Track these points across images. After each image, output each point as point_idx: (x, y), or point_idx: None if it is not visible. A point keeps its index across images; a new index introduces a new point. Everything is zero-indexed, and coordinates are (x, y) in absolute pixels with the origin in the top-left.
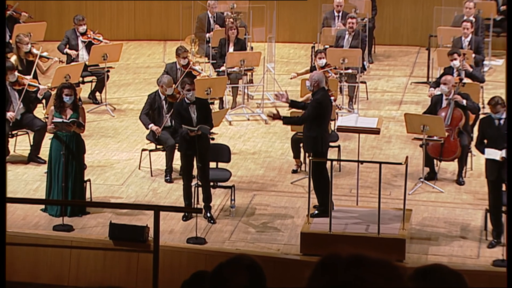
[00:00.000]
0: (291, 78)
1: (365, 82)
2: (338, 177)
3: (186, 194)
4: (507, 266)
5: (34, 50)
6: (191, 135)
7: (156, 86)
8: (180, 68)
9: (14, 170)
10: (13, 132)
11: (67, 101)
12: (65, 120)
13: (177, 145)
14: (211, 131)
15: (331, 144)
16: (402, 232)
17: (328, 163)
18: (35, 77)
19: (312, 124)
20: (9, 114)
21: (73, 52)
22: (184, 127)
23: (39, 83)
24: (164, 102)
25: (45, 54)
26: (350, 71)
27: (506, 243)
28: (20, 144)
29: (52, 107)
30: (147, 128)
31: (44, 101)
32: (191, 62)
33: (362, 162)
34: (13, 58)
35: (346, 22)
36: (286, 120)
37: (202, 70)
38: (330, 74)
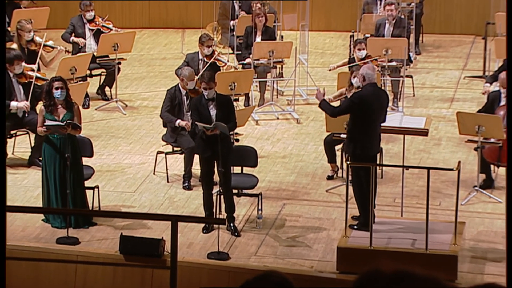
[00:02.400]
0: (329, 70)
1: (411, 76)
2: (380, 184)
3: (206, 203)
4: (507, 266)
5: (38, 38)
6: (207, 134)
7: (173, 80)
8: (202, 59)
9: (13, 174)
10: (12, 132)
11: (58, 96)
12: (58, 123)
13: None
14: (234, 131)
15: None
16: (453, 247)
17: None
18: (38, 69)
19: (352, 123)
20: (24, 104)
21: (80, 40)
22: (198, 125)
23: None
24: (185, 97)
25: (50, 43)
26: (394, 63)
27: (506, 243)
28: (19, 145)
29: (42, 107)
30: (173, 125)
31: None
32: (216, 52)
33: (407, 167)
34: (14, 47)
35: (384, 9)
36: (322, 105)
37: (228, 60)
38: None
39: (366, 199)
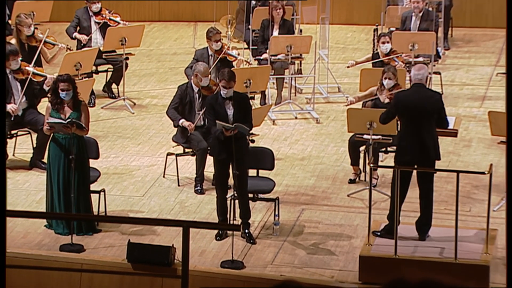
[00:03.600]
0: (348, 67)
1: (439, 73)
2: (410, 188)
3: (220, 207)
4: (507, 266)
5: (39, 34)
6: (226, 134)
7: (184, 77)
8: (212, 54)
9: (14, 177)
10: (13, 132)
11: (64, 97)
12: (61, 121)
13: (208, 147)
14: (250, 131)
15: (392, 148)
16: (485, 257)
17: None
18: (38, 65)
19: (401, 124)
20: (11, 106)
21: (83, 37)
22: (218, 123)
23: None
24: (197, 95)
25: (51, 40)
26: (421, 59)
27: (506, 243)
28: (20, 146)
29: (48, 104)
30: (177, 125)
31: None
32: (225, 47)
33: (435, 170)
34: (12, 42)
35: (411, 0)
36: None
37: (239, 54)
38: (396, 63)
39: (393, 204)
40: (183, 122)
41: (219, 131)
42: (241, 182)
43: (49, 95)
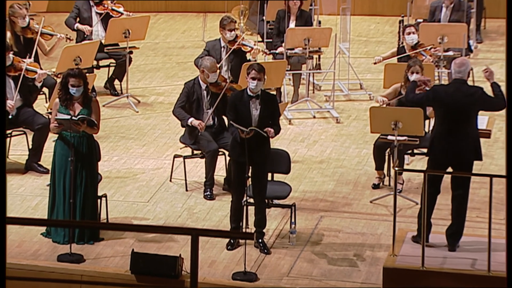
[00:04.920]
0: (374, 63)
1: (471, 68)
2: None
3: (234, 214)
4: (507, 266)
5: (35, 25)
6: (241, 136)
7: (193, 72)
8: (225, 46)
9: (8, 181)
10: (7, 132)
11: (74, 93)
12: (72, 117)
13: (219, 150)
14: (276, 134)
15: (419, 151)
16: None
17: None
18: (36, 60)
19: (435, 121)
20: (9, 103)
21: (86, 28)
22: (233, 125)
23: (41, 68)
24: (205, 92)
25: (48, 30)
26: (451, 53)
27: (506, 244)
28: (15, 147)
29: (57, 100)
30: (185, 125)
31: (47, 90)
32: (240, 37)
33: (467, 175)
34: (6, 36)
35: None
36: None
37: (255, 44)
38: (424, 57)
39: (424, 210)
40: (192, 121)
41: (236, 132)
42: (260, 188)
43: (58, 89)
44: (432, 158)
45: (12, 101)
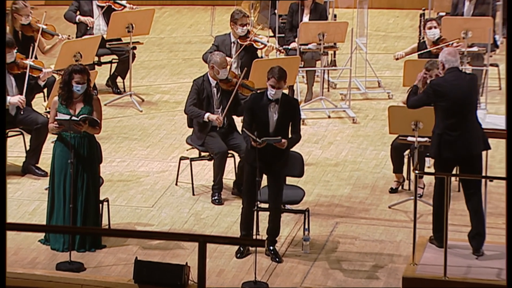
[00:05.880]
0: (396, 59)
1: (497, 65)
2: (456, 199)
3: (245, 220)
4: (507, 266)
5: (36, 23)
6: (253, 145)
7: (200, 69)
8: (235, 41)
9: None
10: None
11: (78, 90)
12: (73, 117)
13: (228, 152)
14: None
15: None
16: None
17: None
18: (34, 57)
19: (436, 117)
20: (18, 99)
21: (89, 20)
22: (244, 132)
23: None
24: (215, 89)
25: (50, 30)
26: (475, 49)
27: (506, 244)
28: (12, 148)
29: (56, 98)
30: (201, 120)
31: (45, 89)
32: (252, 32)
33: (491, 178)
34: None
35: None
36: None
37: (268, 40)
38: None
39: (440, 216)
40: (209, 116)
41: (247, 139)
42: (276, 195)
43: (59, 86)
44: (439, 157)
45: (23, 96)
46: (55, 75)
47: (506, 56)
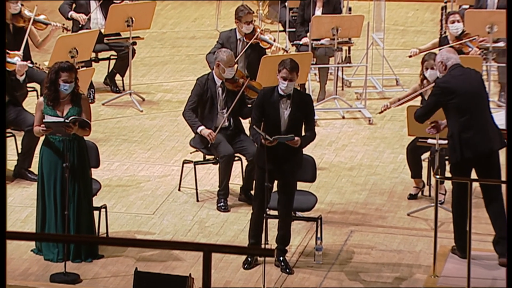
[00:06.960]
0: (409, 56)
1: None
2: (479, 206)
3: (254, 227)
4: (507, 266)
5: (27, 12)
6: (264, 143)
7: (205, 66)
8: (241, 38)
9: None
10: None
11: (66, 90)
12: (61, 119)
13: (235, 155)
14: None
15: None
16: None
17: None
18: (27, 52)
19: (447, 121)
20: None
21: (81, 17)
22: (253, 129)
23: (31, 61)
24: (220, 89)
25: (41, 18)
26: (501, 44)
27: (506, 244)
28: None
29: (41, 99)
30: (195, 132)
31: (38, 87)
32: (258, 30)
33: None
34: None
35: None
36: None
37: (274, 40)
38: (470, 49)
39: (460, 224)
40: (202, 130)
41: (257, 137)
42: (287, 201)
43: (45, 86)
44: (461, 159)
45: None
46: (45, 71)
47: (507, 56)
